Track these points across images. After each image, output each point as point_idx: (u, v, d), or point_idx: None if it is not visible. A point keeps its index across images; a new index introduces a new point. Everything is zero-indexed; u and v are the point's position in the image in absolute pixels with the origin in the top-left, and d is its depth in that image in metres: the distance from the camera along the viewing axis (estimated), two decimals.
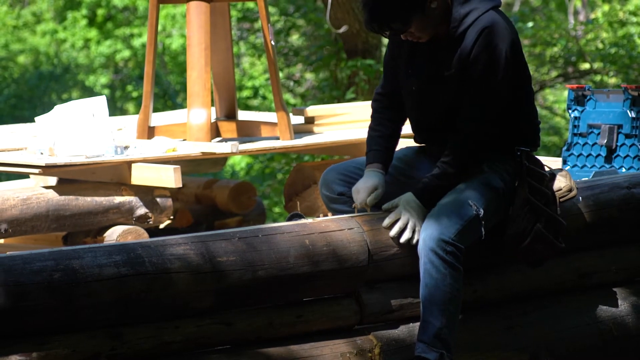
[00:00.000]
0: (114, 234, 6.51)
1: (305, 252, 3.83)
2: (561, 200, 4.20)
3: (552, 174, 4.25)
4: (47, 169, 6.31)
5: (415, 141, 4.34)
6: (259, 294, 3.79)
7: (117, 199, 6.52)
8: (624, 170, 5.90)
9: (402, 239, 3.98)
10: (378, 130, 4.23)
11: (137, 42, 18.93)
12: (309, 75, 15.03)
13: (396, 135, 4.24)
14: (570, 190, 4.22)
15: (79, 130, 6.37)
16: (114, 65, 20.02)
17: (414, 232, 3.99)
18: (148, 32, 6.86)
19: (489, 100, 4.01)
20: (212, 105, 7.22)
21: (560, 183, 4.23)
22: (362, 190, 4.10)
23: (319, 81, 13.40)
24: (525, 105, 4.14)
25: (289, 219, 4.17)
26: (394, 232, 3.99)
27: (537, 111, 4.22)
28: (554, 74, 14.84)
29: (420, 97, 4.12)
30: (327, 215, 4.22)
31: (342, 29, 11.08)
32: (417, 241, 3.97)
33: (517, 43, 4.04)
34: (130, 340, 3.57)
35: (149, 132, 6.92)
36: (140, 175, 6.49)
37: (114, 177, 6.54)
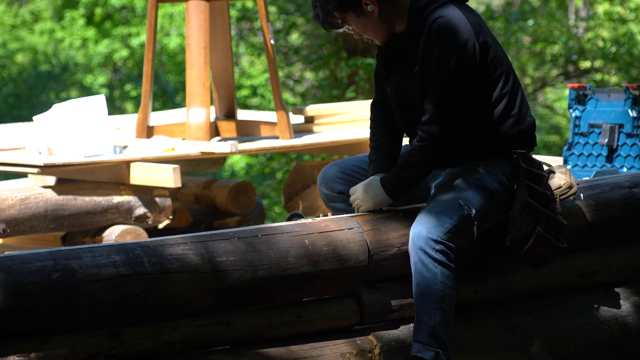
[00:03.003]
0: (112, 234, 6.51)
1: (305, 252, 3.82)
2: (561, 197, 4.18)
3: (551, 172, 4.23)
4: (45, 169, 6.31)
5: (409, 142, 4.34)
6: (259, 294, 3.78)
7: (116, 199, 6.51)
8: (625, 169, 5.91)
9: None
10: (375, 140, 4.24)
11: (135, 42, 18.92)
12: (309, 75, 15.04)
13: (395, 140, 4.23)
14: (570, 187, 4.21)
15: (78, 129, 6.36)
16: (113, 64, 20.01)
17: (358, 208, 4.11)
18: (147, 31, 6.86)
19: (445, 92, 3.98)
20: (212, 104, 7.21)
21: (560, 180, 4.21)
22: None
23: (319, 80, 13.41)
24: (510, 107, 4.10)
25: (289, 219, 4.15)
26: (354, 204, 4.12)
27: (528, 110, 4.18)
28: (554, 72, 14.84)
29: (396, 96, 4.13)
30: (327, 215, 4.21)
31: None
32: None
33: (478, 36, 3.99)
34: (130, 340, 3.56)
35: (148, 132, 6.92)
36: (139, 175, 6.49)
37: (112, 176, 6.54)
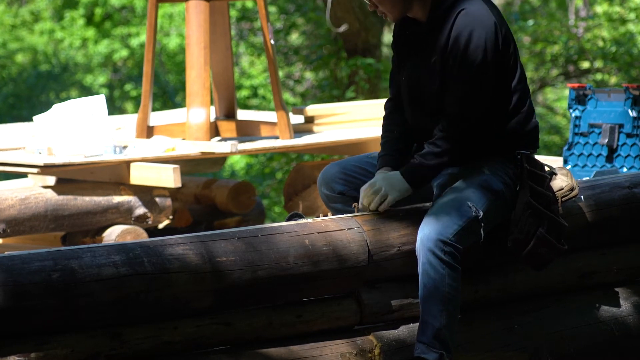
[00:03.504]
0: (112, 234, 6.51)
1: (305, 252, 3.81)
2: (563, 199, 4.18)
3: (553, 173, 4.23)
4: (45, 169, 6.31)
5: (415, 142, 4.32)
6: (259, 294, 3.77)
7: (116, 199, 6.51)
8: (625, 169, 5.91)
9: (372, 206, 4.02)
10: (385, 137, 4.23)
11: (134, 42, 18.91)
12: (309, 75, 15.03)
13: (405, 137, 4.21)
14: (572, 189, 4.21)
15: (78, 129, 6.36)
16: (113, 64, 20.01)
17: (383, 200, 4.02)
18: (147, 31, 6.86)
19: (472, 85, 3.98)
20: (212, 104, 7.21)
21: (562, 182, 4.21)
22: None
23: (319, 80, 13.40)
24: (521, 104, 4.11)
25: (289, 219, 4.15)
26: (365, 200, 4.03)
27: (534, 111, 4.19)
28: (554, 72, 14.83)
29: (410, 87, 4.12)
30: (327, 215, 4.20)
31: (342, 28, 11.08)
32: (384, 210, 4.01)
33: (501, 29, 4.00)
34: (130, 340, 3.56)
35: (148, 132, 6.92)
36: (139, 175, 6.49)
37: (112, 176, 6.54)
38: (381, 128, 4.27)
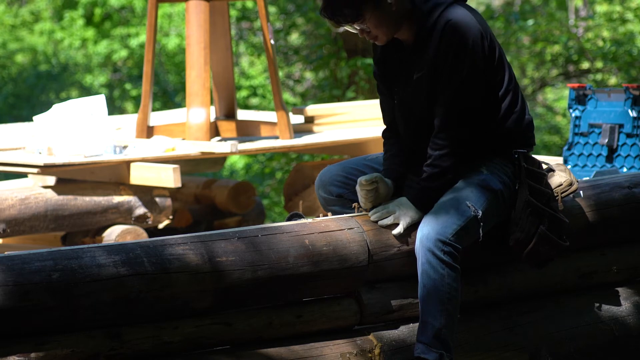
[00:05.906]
0: (112, 234, 6.51)
1: (305, 252, 3.81)
2: (562, 195, 4.19)
3: (551, 170, 4.24)
4: (45, 169, 6.31)
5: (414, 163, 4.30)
6: (259, 294, 3.77)
7: (116, 199, 6.51)
8: (625, 169, 5.91)
9: (381, 222, 4.02)
10: (387, 151, 4.21)
11: (134, 42, 18.91)
12: (309, 75, 15.04)
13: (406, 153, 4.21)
14: (570, 185, 4.21)
15: (78, 129, 6.37)
16: (112, 64, 20.00)
17: (396, 222, 4.00)
18: (147, 31, 6.86)
19: (462, 96, 3.97)
20: (212, 104, 7.21)
21: (561, 178, 4.22)
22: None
23: (319, 80, 13.41)
24: (513, 104, 4.10)
25: (289, 219, 4.15)
26: (374, 217, 4.02)
27: (527, 106, 4.18)
28: (554, 72, 14.84)
29: (402, 107, 4.11)
30: (326, 215, 4.20)
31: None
32: (399, 232, 3.99)
33: (486, 35, 3.99)
34: (130, 340, 3.56)
35: (148, 132, 6.92)
36: (139, 175, 6.49)
37: (112, 176, 6.54)
38: (383, 154, 4.24)
